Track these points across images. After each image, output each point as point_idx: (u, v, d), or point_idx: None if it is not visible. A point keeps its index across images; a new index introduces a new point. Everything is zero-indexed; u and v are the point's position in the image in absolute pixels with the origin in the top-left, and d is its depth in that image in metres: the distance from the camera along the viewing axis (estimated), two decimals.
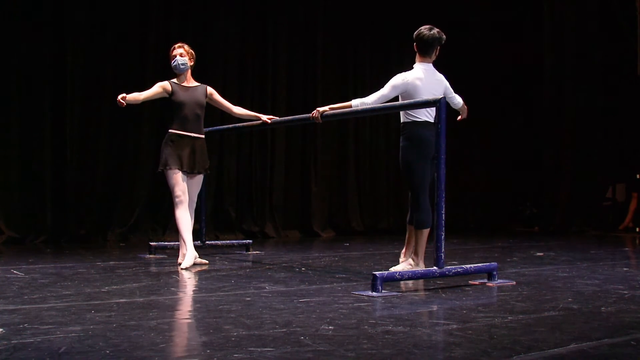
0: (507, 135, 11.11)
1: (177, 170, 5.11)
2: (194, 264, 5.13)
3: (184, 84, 5.30)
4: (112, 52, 7.57)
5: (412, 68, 4.57)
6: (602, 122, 10.12)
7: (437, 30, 4.53)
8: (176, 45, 5.30)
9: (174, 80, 5.31)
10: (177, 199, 5.07)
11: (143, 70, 7.74)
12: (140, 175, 7.67)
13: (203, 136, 5.33)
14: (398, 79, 4.45)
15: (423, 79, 4.46)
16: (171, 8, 8.02)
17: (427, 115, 4.47)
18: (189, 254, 4.99)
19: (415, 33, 4.56)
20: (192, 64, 5.32)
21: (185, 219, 5.07)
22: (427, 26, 4.57)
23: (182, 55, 5.24)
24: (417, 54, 4.58)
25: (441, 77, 4.62)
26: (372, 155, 9.82)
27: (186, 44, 5.35)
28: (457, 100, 4.75)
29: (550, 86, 10.37)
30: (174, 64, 5.24)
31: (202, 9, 8.24)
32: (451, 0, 10.38)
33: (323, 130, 8.93)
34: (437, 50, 4.59)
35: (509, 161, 11.14)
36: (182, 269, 4.88)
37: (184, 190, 5.10)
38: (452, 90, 4.70)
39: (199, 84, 5.40)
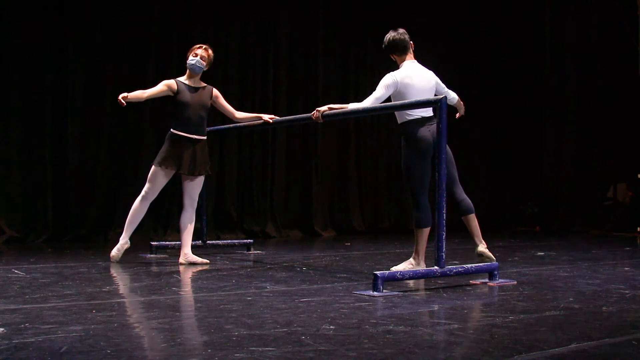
0: (507, 134, 11.10)
1: (165, 172, 5.19)
2: (192, 264, 5.15)
3: (191, 84, 5.29)
4: (113, 51, 7.56)
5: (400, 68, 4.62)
6: (602, 121, 10.11)
7: (401, 30, 4.62)
8: (203, 46, 5.28)
9: (181, 78, 5.29)
10: (143, 192, 5.26)
11: (144, 69, 7.73)
12: (141, 175, 7.63)
13: (205, 137, 5.33)
14: (389, 79, 4.47)
15: (413, 77, 4.49)
16: (172, 7, 8.01)
17: (422, 111, 4.46)
18: (122, 244, 5.28)
19: (386, 43, 4.63)
20: (207, 68, 5.32)
21: (138, 211, 5.25)
22: (390, 32, 4.65)
23: (202, 58, 5.23)
24: (399, 57, 4.64)
25: (430, 72, 4.64)
26: (373, 154, 9.82)
27: (210, 47, 5.33)
28: (452, 96, 4.75)
29: (550, 86, 10.36)
30: (192, 62, 5.21)
31: (203, 8, 8.23)
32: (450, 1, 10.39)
33: (324, 129, 8.93)
34: (413, 45, 4.65)
35: (510, 161, 11.13)
36: (112, 261, 5.22)
37: (155, 191, 5.26)
38: (444, 86, 4.70)
39: (206, 84, 5.39)
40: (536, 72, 10.66)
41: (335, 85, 9.37)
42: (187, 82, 5.28)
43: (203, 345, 2.41)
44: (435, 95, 4.54)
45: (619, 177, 10.30)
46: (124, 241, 5.30)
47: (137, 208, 5.25)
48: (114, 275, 4.45)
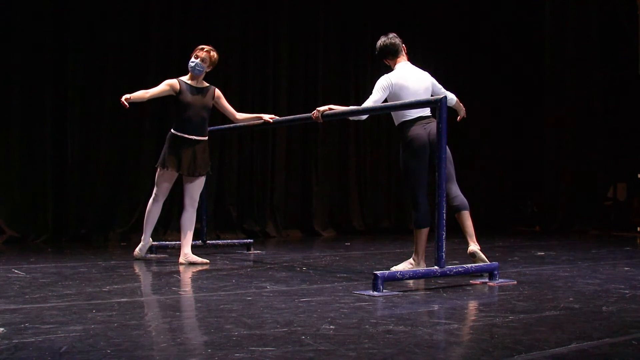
0: (507, 134, 11.11)
1: (167, 173, 5.24)
2: (192, 263, 5.15)
3: (194, 84, 5.28)
4: (113, 51, 7.56)
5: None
6: (602, 121, 10.12)
7: (391, 34, 4.64)
8: (205, 48, 5.26)
9: (184, 78, 5.28)
10: (153, 195, 5.41)
11: (144, 69, 7.73)
12: (141, 175, 7.67)
13: (206, 138, 5.32)
14: (384, 81, 4.48)
15: (407, 78, 4.50)
16: (172, 7, 8.01)
17: (419, 111, 4.46)
18: (144, 244, 5.46)
19: (377, 50, 4.66)
20: (209, 70, 5.31)
21: (152, 212, 5.41)
22: (381, 37, 4.67)
23: (203, 61, 5.21)
24: (392, 60, 4.66)
25: (425, 73, 4.64)
26: (373, 154, 9.82)
27: (214, 49, 5.31)
28: (451, 97, 4.74)
29: (550, 86, 10.36)
30: (192, 65, 5.22)
31: (203, 7, 8.23)
32: (450, 1, 10.40)
33: (324, 129, 8.93)
34: (405, 48, 4.66)
35: (509, 161, 11.13)
36: (136, 258, 5.44)
37: (164, 192, 5.38)
38: (441, 87, 4.69)
39: (209, 85, 5.39)
40: (536, 72, 10.65)
41: (335, 85, 9.37)
42: (189, 82, 5.27)
43: (203, 345, 2.41)
44: (432, 96, 4.53)
45: (619, 177, 10.31)
46: (145, 241, 5.47)
47: (151, 210, 5.41)
48: (114, 275, 4.45)
